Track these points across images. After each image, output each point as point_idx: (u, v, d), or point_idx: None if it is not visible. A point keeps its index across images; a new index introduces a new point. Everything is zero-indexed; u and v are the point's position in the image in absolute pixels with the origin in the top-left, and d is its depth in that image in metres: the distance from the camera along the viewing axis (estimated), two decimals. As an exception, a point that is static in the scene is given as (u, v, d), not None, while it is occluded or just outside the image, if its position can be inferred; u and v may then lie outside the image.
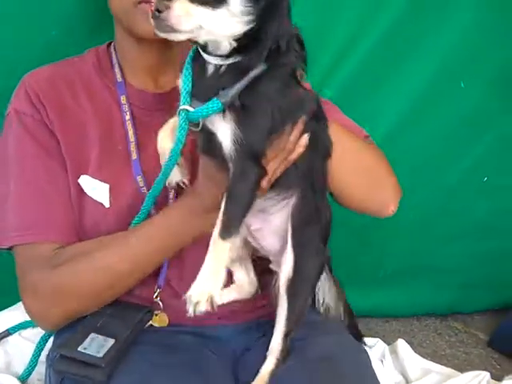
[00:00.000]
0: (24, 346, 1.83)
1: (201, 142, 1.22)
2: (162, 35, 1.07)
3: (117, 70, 1.48)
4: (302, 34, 1.76)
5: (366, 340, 2.22)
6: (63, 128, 1.41)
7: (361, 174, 1.46)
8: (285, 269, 1.29)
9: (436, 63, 2.08)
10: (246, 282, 1.43)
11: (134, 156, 1.41)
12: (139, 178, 1.40)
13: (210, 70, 1.14)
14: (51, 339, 1.58)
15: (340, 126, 1.37)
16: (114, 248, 1.34)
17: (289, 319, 1.30)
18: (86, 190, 1.39)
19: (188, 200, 1.31)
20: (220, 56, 1.12)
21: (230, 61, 1.11)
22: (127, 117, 1.44)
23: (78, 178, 1.40)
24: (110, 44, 1.54)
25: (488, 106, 2.17)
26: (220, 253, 1.11)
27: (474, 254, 2.42)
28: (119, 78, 1.47)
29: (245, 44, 1.09)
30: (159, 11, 1.03)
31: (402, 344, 2.26)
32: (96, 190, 1.39)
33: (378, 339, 2.29)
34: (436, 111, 2.14)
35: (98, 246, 1.35)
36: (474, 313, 2.74)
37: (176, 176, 1.30)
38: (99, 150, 1.41)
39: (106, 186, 1.39)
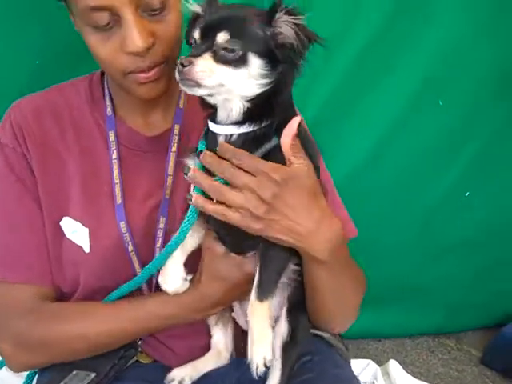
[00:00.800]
0: (13, 381, 1.81)
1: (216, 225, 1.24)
2: (185, 89, 1.11)
3: (108, 102, 1.41)
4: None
5: (357, 362, 2.23)
6: (43, 165, 1.36)
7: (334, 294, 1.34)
8: (280, 332, 1.30)
9: (413, 82, 2.09)
10: (222, 346, 1.43)
11: (119, 200, 1.34)
12: (122, 224, 1.33)
13: (221, 140, 1.17)
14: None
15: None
16: (98, 321, 1.31)
17: (282, 376, 1.32)
18: (66, 233, 1.34)
19: (190, 300, 1.27)
20: (231, 124, 1.15)
21: (241, 130, 1.15)
22: (114, 156, 1.36)
23: (59, 218, 1.34)
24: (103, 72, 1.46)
25: (467, 122, 2.18)
26: (262, 315, 1.17)
27: (461, 271, 2.42)
28: (109, 112, 1.40)
29: (257, 108, 1.14)
30: (183, 66, 1.07)
31: (393, 365, 2.25)
32: (76, 233, 1.33)
33: (369, 360, 2.28)
34: (415, 130, 2.15)
35: (82, 315, 1.33)
36: (466, 330, 2.73)
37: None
38: (81, 190, 1.35)
39: (86, 230, 1.33)
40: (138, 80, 1.24)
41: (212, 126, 1.18)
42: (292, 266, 1.26)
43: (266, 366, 1.16)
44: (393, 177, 2.19)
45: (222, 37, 1.09)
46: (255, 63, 1.10)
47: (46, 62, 1.76)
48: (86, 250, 1.33)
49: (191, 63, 1.07)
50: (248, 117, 1.14)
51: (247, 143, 1.14)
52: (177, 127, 1.38)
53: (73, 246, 1.33)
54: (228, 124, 1.15)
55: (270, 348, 1.17)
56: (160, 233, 1.34)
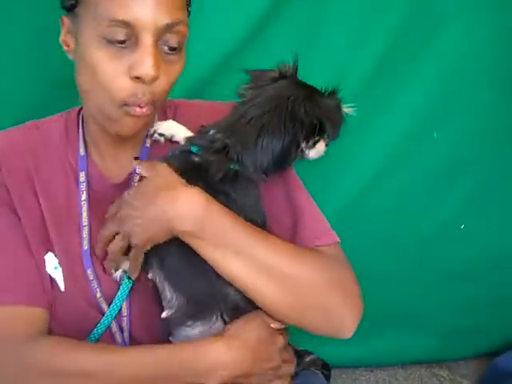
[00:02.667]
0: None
1: None
2: None
3: (81, 142, 1.40)
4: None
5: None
6: (22, 201, 1.33)
7: None
8: None
9: (408, 114, 2.11)
10: None
11: (85, 246, 1.33)
12: (89, 271, 1.32)
13: None
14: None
15: None
16: (125, 359, 1.23)
17: None
18: (47, 268, 1.33)
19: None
20: None
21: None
22: (83, 197, 1.35)
23: (44, 253, 1.33)
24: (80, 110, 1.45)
25: (462, 154, 2.19)
26: None
27: (455, 301, 2.41)
28: (82, 152, 1.38)
29: None
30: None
31: (386, 396, 2.23)
32: (57, 269, 1.33)
33: (361, 392, 2.26)
34: (410, 162, 2.16)
35: (96, 355, 1.23)
36: (459, 359, 2.71)
37: None
38: (55, 230, 1.34)
39: (60, 270, 1.32)
40: (131, 112, 1.23)
41: None
42: None
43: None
44: (388, 207, 2.20)
45: None
46: None
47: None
48: (62, 288, 1.32)
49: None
50: None
51: None
52: (161, 138, 1.40)
53: (52, 282, 1.33)
54: None
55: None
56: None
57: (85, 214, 1.35)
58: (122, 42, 1.17)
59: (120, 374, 1.19)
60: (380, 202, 2.19)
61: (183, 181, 1.23)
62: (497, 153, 2.21)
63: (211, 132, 1.30)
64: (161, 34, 1.18)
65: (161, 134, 1.38)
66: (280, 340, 1.27)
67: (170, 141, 1.39)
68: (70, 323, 1.34)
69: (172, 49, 1.22)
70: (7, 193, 1.34)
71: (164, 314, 1.26)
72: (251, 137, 1.25)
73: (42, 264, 1.33)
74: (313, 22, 1.95)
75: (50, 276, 1.33)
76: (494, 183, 2.24)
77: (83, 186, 1.36)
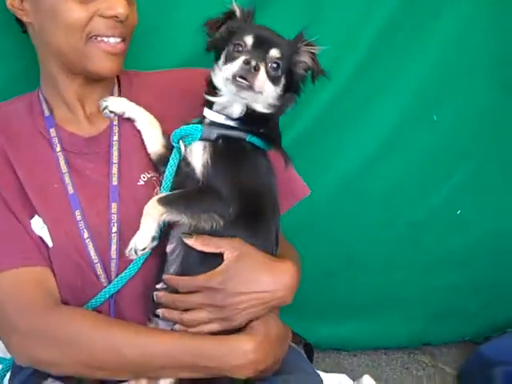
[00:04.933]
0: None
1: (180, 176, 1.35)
2: (234, 89, 1.24)
3: (44, 106, 1.47)
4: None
5: (332, 376, 2.22)
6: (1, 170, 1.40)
7: None
8: None
9: (408, 96, 2.08)
10: None
11: (71, 190, 1.40)
12: (77, 213, 1.38)
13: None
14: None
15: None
16: (139, 340, 1.28)
17: None
18: (35, 230, 1.37)
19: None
20: (225, 115, 1.31)
21: (227, 122, 1.31)
22: (57, 148, 1.43)
23: (30, 217, 1.37)
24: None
25: (461, 138, 2.17)
26: (153, 214, 1.25)
27: (444, 286, 2.41)
28: (46, 113, 1.47)
29: (252, 117, 1.30)
30: (255, 69, 1.20)
31: (367, 380, 2.22)
32: (43, 228, 1.37)
33: (344, 375, 2.25)
34: (408, 144, 2.13)
35: (124, 329, 1.30)
36: (442, 345, 2.71)
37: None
38: (34, 191, 1.39)
39: (45, 227, 1.36)
40: (105, 48, 1.36)
41: (206, 112, 1.33)
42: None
43: (136, 252, 1.26)
44: (384, 190, 2.17)
45: (273, 53, 1.25)
46: (281, 84, 1.28)
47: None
48: (50, 244, 1.36)
49: (258, 70, 1.21)
50: (240, 117, 1.30)
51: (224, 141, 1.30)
52: (115, 118, 1.46)
53: (42, 241, 1.36)
54: (221, 113, 1.31)
55: (146, 240, 1.26)
56: (114, 217, 1.38)
57: (62, 163, 1.41)
58: None
59: (152, 357, 1.25)
60: (375, 185, 2.16)
61: (268, 255, 1.33)
62: (496, 139, 2.19)
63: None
64: None
65: (111, 111, 1.43)
66: (290, 333, 1.43)
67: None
68: (64, 283, 1.36)
69: None
70: None
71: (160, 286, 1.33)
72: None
73: (29, 228, 1.37)
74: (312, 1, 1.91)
75: (40, 237, 1.37)
76: (491, 170, 2.22)
77: (55, 140, 1.43)
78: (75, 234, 1.36)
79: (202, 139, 1.30)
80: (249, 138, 1.31)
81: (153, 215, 1.25)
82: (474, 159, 2.20)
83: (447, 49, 2.06)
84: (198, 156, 1.30)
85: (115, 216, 1.38)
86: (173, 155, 1.35)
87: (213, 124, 1.31)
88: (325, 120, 2.02)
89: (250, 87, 1.21)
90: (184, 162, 1.33)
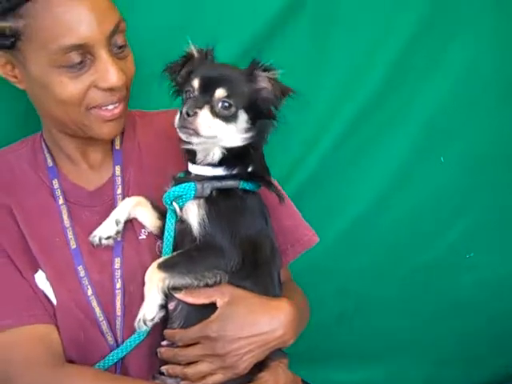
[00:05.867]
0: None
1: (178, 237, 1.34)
2: (183, 136, 1.24)
3: (47, 155, 1.45)
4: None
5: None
6: (2, 226, 1.38)
7: None
8: None
9: (414, 138, 2.06)
10: None
11: (73, 245, 1.37)
12: (80, 268, 1.35)
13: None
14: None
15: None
16: None
17: None
18: (39, 285, 1.34)
19: None
20: (208, 165, 1.30)
21: (215, 172, 1.30)
22: (60, 201, 1.40)
23: (34, 272, 1.35)
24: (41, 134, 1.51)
25: (471, 180, 2.14)
26: (155, 282, 1.24)
27: (456, 330, 2.33)
28: (50, 163, 1.45)
29: (233, 156, 1.29)
30: (188, 115, 1.20)
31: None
32: (47, 284, 1.35)
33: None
34: (417, 186, 2.11)
35: None
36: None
37: None
38: (37, 246, 1.36)
39: (48, 284, 1.34)
40: (103, 117, 1.32)
41: (190, 167, 1.33)
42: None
43: (145, 323, 1.25)
44: (393, 232, 2.15)
45: (220, 93, 1.23)
46: (243, 118, 1.26)
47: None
48: (54, 301, 1.33)
49: (195, 114, 1.21)
50: (223, 162, 1.29)
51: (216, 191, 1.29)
52: (118, 168, 1.44)
53: (46, 297, 1.34)
54: (204, 165, 1.30)
55: (153, 310, 1.25)
56: (118, 273, 1.36)
57: (65, 217, 1.39)
58: (80, 63, 1.25)
59: None
60: (383, 228, 2.13)
61: (261, 295, 1.31)
62: (506, 180, 2.16)
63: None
64: (110, 40, 1.26)
65: (107, 238, 1.36)
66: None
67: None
68: (68, 340, 1.33)
69: (120, 47, 1.31)
70: None
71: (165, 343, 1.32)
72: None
73: (33, 283, 1.34)
74: (323, 34, 1.91)
75: (44, 293, 1.34)
76: (503, 211, 2.19)
77: (58, 192, 1.41)
78: (79, 291, 1.33)
79: (195, 197, 1.29)
80: (241, 185, 1.30)
81: (156, 283, 1.23)
82: (484, 200, 2.17)
83: (455, 87, 2.05)
84: (193, 215, 1.28)
85: (119, 271, 1.35)
86: (168, 218, 1.33)
87: (201, 178, 1.30)
88: (330, 163, 2.01)
89: (197, 133, 1.21)
90: (180, 221, 1.31)
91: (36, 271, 1.35)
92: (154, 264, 1.25)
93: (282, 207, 1.45)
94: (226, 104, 1.22)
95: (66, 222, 1.38)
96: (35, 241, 1.36)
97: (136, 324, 1.25)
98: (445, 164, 2.09)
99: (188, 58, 1.32)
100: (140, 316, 1.24)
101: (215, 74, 1.27)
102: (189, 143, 1.26)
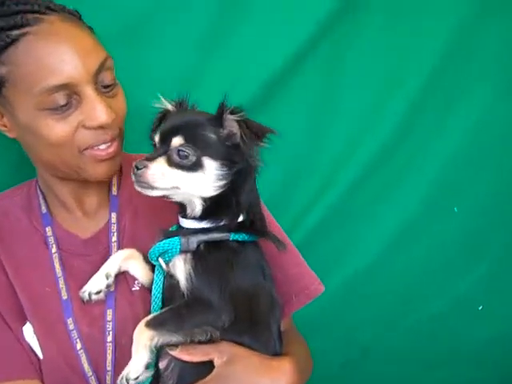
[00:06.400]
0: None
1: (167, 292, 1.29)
2: (139, 189, 1.19)
3: (41, 201, 1.42)
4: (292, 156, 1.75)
5: None
6: None
7: None
8: None
9: (427, 187, 2.05)
10: None
11: (64, 295, 1.32)
12: (69, 321, 1.30)
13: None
14: None
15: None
16: None
17: None
18: (27, 338, 1.31)
19: None
20: (194, 219, 1.24)
21: (202, 225, 1.23)
22: (53, 250, 1.36)
23: (22, 324, 1.32)
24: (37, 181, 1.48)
25: (483, 230, 2.12)
26: (142, 341, 1.17)
27: (463, 381, 2.25)
28: (44, 210, 1.41)
29: (216, 206, 1.22)
30: (138, 168, 1.16)
31: None
32: (34, 338, 1.31)
33: None
34: (429, 236, 2.09)
35: None
36: None
37: None
38: (25, 296, 1.33)
39: (35, 338, 1.31)
40: (98, 157, 1.28)
41: (181, 221, 1.27)
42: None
43: (128, 382, 1.18)
44: (401, 281, 2.12)
45: (176, 141, 1.17)
46: (210, 166, 1.18)
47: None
48: (41, 356, 1.30)
49: (145, 166, 1.16)
50: (208, 214, 1.23)
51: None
52: (114, 215, 1.40)
53: (33, 351, 1.31)
54: (190, 218, 1.24)
55: (139, 370, 1.18)
56: (109, 325, 1.31)
57: (57, 265, 1.35)
58: (65, 105, 1.22)
59: None
60: (392, 277, 2.10)
61: (257, 353, 1.25)
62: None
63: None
64: (96, 77, 1.24)
65: (97, 293, 1.32)
66: None
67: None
68: None
69: (108, 86, 1.28)
70: None
71: None
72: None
73: (21, 336, 1.31)
74: (333, 83, 1.92)
75: (30, 346, 1.31)
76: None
77: (51, 240, 1.37)
78: (67, 346, 1.29)
79: (182, 252, 1.23)
80: (232, 236, 1.23)
81: (143, 342, 1.18)
82: (496, 251, 2.15)
83: (466, 138, 2.04)
84: (180, 270, 1.23)
85: (111, 324, 1.30)
86: (156, 273, 1.28)
87: (191, 232, 1.24)
88: (338, 212, 1.99)
89: (150, 186, 1.16)
90: (169, 275, 1.26)
91: (24, 323, 1.32)
92: (142, 322, 1.19)
93: (287, 255, 1.41)
94: (184, 153, 1.16)
95: (58, 271, 1.35)
96: (24, 291, 1.33)
97: (118, 381, 1.18)
98: (456, 214, 2.08)
99: (164, 113, 1.27)
100: (124, 373, 1.17)
101: (176, 122, 1.21)
102: (166, 196, 1.22)
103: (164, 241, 1.25)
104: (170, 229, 1.30)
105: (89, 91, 1.22)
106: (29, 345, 1.30)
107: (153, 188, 1.17)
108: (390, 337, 2.15)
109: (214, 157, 1.18)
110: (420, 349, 2.21)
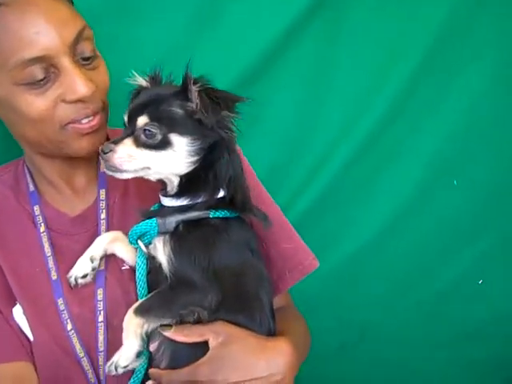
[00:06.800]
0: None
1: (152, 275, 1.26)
2: (109, 173, 1.15)
3: (29, 180, 1.38)
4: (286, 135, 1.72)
5: None
6: None
7: None
8: None
9: (426, 160, 2.03)
10: None
11: (54, 275, 1.29)
12: (60, 301, 1.27)
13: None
14: None
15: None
16: None
17: None
18: (17, 320, 1.28)
19: None
20: (172, 196, 1.20)
21: (179, 203, 1.19)
22: (42, 229, 1.33)
23: (12, 306, 1.29)
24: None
25: (484, 204, 2.10)
26: (132, 328, 1.16)
27: (468, 361, 2.23)
28: (31, 188, 1.37)
29: (193, 182, 1.17)
30: (104, 152, 1.12)
31: None
32: (23, 319, 1.28)
33: None
34: (428, 211, 2.06)
35: None
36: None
37: None
38: (14, 277, 1.30)
39: (25, 319, 1.28)
40: (80, 131, 1.23)
41: (162, 199, 1.23)
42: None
43: (116, 369, 1.17)
44: (401, 259, 2.09)
45: (141, 121, 1.13)
46: (179, 142, 1.13)
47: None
48: (31, 338, 1.27)
49: (111, 150, 1.12)
50: (185, 191, 1.19)
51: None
52: (102, 192, 1.37)
53: (23, 333, 1.28)
54: (169, 196, 1.21)
55: (129, 358, 1.17)
56: (100, 305, 1.28)
57: (46, 245, 1.32)
58: (43, 79, 1.17)
59: None
60: (391, 254, 2.07)
61: (253, 333, 1.21)
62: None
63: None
64: (74, 49, 1.18)
65: (83, 276, 1.28)
66: None
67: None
68: (46, 379, 1.27)
69: (88, 58, 1.22)
70: None
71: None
72: None
73: (11, 318, 1.28)
74: (327, 59, 1.89)
75: (21, 328, 1.28)
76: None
77: (40, 219, 1.34)
78: (57, 326, 1.26)
79: (161, 233, 1.20)
80: (212, 214, 1.19)
81: (134, 329, 1.15)
82: (496, 225, 2.12)
83: (462, 117, 2.02)
84: (160, 252, 1.19)
85: (101, 303, 1.27)
86: (138, 256, 1.24)
87: (170, 211, 1.19)
88: (336, 187, 1.96)
89: (119, 169, 1.13)
90: (150, 257, 1.22)
91: (14, 305, 1.29)
92: (131, 310, 1.16)
93: (280, 230, 1.39)
94: (149, 132, 1.11)
95: (47, 250, 1.31)
96: (13, 272, 1.30)
97: (107, 367, 1.17)
98: (456, 189, 2.05)
99: (139, 90, 1.22)
100: (114, 359, 1.16)
101: (141, 100, 1.16)
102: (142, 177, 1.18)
103: (141, 223, 1.21)
104: (152, 208, 1.26)
105: (66, 63, 1.16)
106: (19, 327, 1.28)
107: (122, 171, 1.14)
108: (389, 317, 2.12)
109: (182, 133, 1.12)
110: (419, 329, 2.18)
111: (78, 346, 1.26)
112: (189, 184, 1.17)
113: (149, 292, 1.23)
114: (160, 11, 1.67)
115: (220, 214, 1.19)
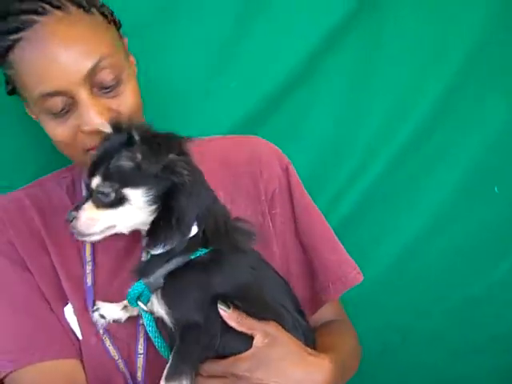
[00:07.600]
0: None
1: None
2: (80, 238, 1.15)
3: (83, 187, 1.40)
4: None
5: None
6: (34, 258, 1.35)
7: None
8: None
9: (468, 167, 2.01)
10: None
11: (89, 282, 1.33)
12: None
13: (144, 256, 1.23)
14: None
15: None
16: None
17: None
18: (68, 319, 1.32)
19: None
20: (147, 246, 1.18)
21: (156, 251, 1.16)
22: None
23: (64, 305, 1.33)
24: None
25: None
26: None
27: (501, 366, 2.26)
28: (84, 193, 1.40)
29: (161, 229, 1.14)
30: (69, 221, 1.12)
31: None
32: (74, 318, 1.32)
33: None
34: (468, 218, 2.05)
35: None
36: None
37: None
38: (68, 283, 1.33)
39: (75, 319, 1.31)
40: None
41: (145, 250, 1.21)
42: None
43: None
44: (439, 265, 2.09)
45: (94, 183, 1.12)
46: (134, 195, 1.11)
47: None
48: (80, 336, 1.31)
49: (74, 217, 1.12)
50: (156, 238, 1.15)
51: (159, 256, 1.17)
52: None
53: (73, 332, 1.32)
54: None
55: None
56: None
57: (88, 248, 1.35)
58: (62, 110, 1.20)
59: None
60: (430, 259, 2.07)
61: (303, 345, 1.21)
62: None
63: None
64: (91, 80, 1.19)
65: (102, 316, 1.30)
66: None
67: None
68: (92, 379, 1.31)
69: (109, 87, 1.22)
70: (17, 252, 1.34)
71: None
72: None
73: (62, 317, 1.32)
74: (365, 69, 1.89)
75: (71, 327, 1.32)
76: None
77: None
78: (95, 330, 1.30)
79: (153, 290, 1.18)
80: (192, 256, 1.17)
81: None
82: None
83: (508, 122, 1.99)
84: (157, 308, 1.18)
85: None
86: (143, 317, 1.23)
87: (152, 266, 1.17)
88: (374, 195, 1.96)
89: (88, 234, 1.13)
90: (156, 315, 1.22)
91: (66, 304, 1.32)
92: (162, 382, 1.12)
93: (324, 242, 1.40)
94: (102, 193, 1.10)
95: (88, 255, 1.35)
96: (65, 272, 1.34)
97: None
98: (497, 196, 2.03)
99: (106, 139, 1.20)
100: None
101: (95, 158, 1.15)
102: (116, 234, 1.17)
103: (133, 286, 1.19)
104: (143, 258, 1.24)
105: (82, 95, 1.19)
106: (69, 326, 1.31)
107: (89, 235, 1.13)
108: (430, 320, 2.13)
109: (134, 185, 1.11)
110: (459, 333, 2.18)
111: (111, 348, 1.31)
112: (157, 232, 1.15)
113: (166, 340, 1.23)
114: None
115: (200, 252, 1.18)
